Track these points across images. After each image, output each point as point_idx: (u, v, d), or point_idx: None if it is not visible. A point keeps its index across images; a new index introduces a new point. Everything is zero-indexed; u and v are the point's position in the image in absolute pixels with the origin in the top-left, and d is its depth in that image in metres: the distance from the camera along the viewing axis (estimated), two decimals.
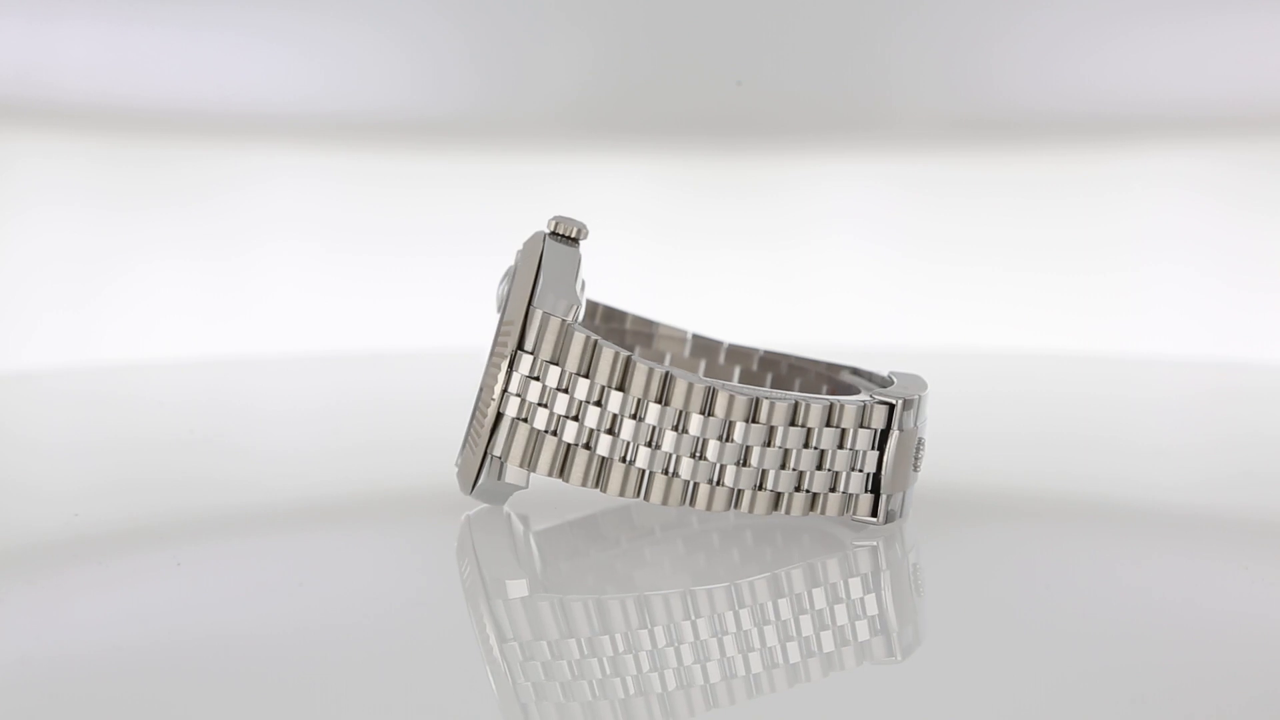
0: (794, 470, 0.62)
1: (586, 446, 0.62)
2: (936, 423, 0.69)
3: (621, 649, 0.53)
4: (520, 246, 0.65)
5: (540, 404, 0.62)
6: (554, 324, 0.62)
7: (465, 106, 1.42)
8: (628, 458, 0.62)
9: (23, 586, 0.61)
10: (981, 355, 1.32)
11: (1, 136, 1.32)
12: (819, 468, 0.63)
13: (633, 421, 0.61)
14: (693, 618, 0.56)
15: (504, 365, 0.62)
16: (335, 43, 1.37)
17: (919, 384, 0.66)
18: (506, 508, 0.68)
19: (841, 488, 0.63)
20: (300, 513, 0.74)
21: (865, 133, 1.42)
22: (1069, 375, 1.25)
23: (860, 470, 0.63)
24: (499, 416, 0.63)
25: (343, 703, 0.48)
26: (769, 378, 0.80)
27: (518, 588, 0.60)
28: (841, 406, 0.62)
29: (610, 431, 0.61)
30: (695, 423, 0.61)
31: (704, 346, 0.81)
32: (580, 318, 0.66)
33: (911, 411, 0.64)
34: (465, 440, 0.65)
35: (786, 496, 0.63)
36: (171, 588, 0.60)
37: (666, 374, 0.61)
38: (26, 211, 1.33)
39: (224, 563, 0.64)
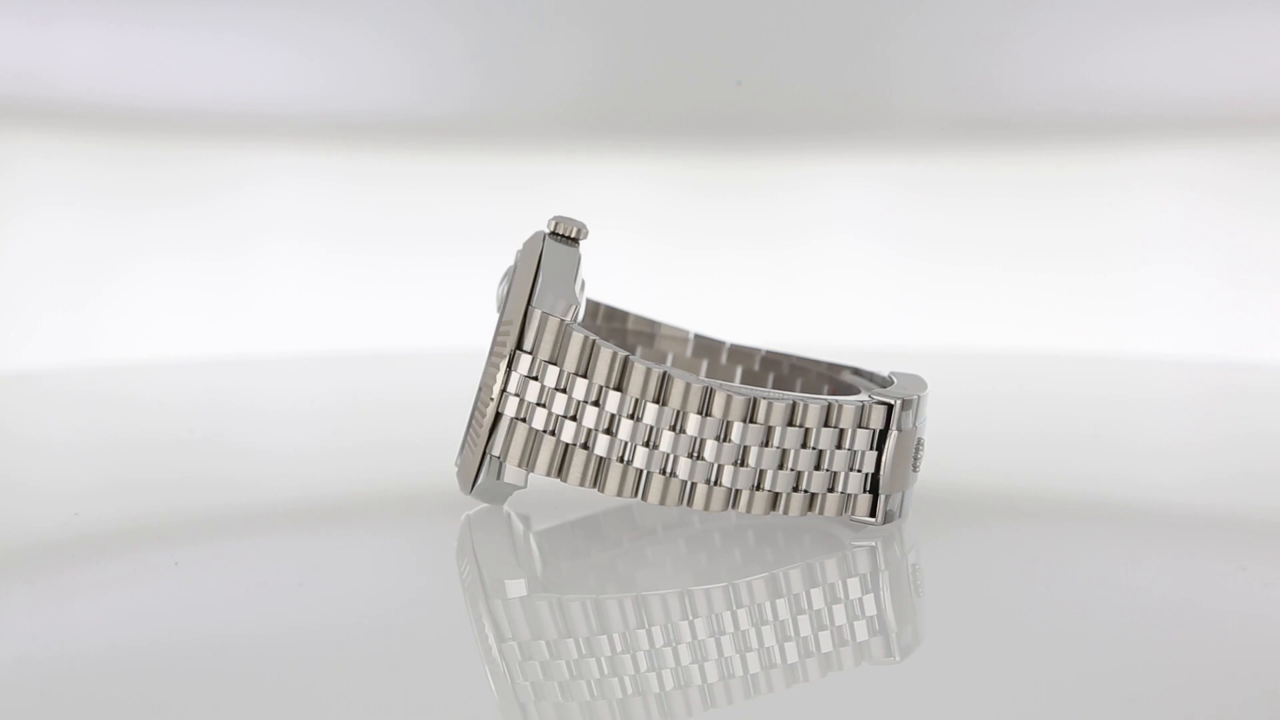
0: (792, 470, 0.62)
1: (584, 446, 0.62)
2: (936, 423, 0.69)
3: (620, 649, 0.53)
4: (520, 246, 0.65)
5: (539, 404, 0.62)
6: (553, 324, 0.62)
7: (465, 106, 1.42)
8: (625, 457, 0.62)
9: (22, 586, 0.61)
10: (981, 355, 1.32)
11: (1, 136, 1.32)
12: (817, 468, 0.63)
13: (630, 421, 0.61)
14: (691, 618, 0.56)
15: (503, 365, 0.62)
16: (335, 43, 1.37)
17: (919, 384, 0.66)
18: (507, 507, 0.68)
19: (840, 488, 0.63)
20: (300, 513, 0.74)
21: (865, 133, 1.42)
22: (1069, 375, 1.25)
23: (859, 470, 0.63)
24: (498, 416, 0.63)
25: (342, 703, 0.48)
26: (771, 378, 0.80)
27: (517, 588, 0.60)
28: (840, 407, 0.62)
29: (608, 431, 0.61)
30: (693, 423, 0.61)
31: (706, 347, 0.81)
32: (580, 318, 0.66)
33: (910, 412, 0.64)
34: (464, 440, 0.65)
35: (784, 496, 0.63)
36: (171, 588, 0.60)
37: (664, 374, 0.61)
38: (26, 211, 1.33)
39: (224, 563, 0.64)
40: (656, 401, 0.61)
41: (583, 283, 0.67)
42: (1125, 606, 0.59)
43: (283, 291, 1.37)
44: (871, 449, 0.63)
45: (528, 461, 0.62)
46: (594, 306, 0.80)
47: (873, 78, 1.41)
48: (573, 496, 0.65)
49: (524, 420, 0.62)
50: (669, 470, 0.62)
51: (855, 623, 0.56)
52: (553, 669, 0.51)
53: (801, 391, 0.77)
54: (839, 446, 0.63)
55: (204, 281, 1.36)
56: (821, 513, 0.63)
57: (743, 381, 0.80)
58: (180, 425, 0.97)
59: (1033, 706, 0.49)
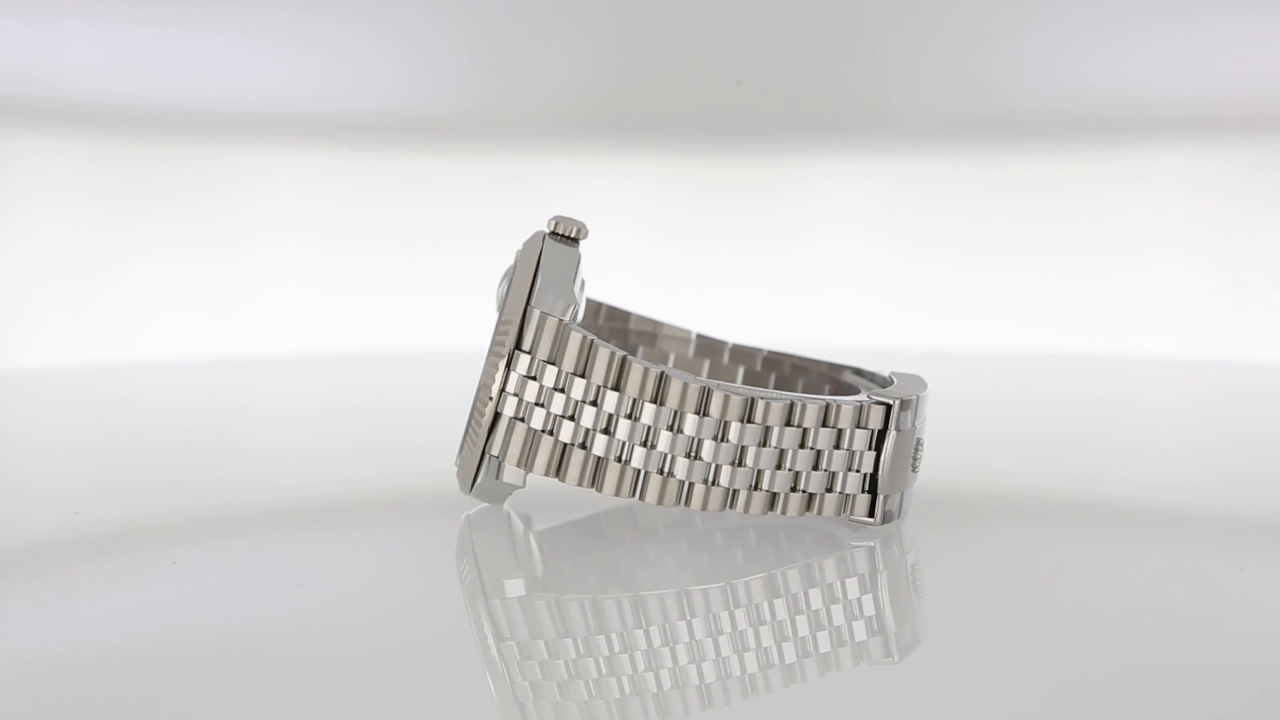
0: (790, 470, 0.62)
1: (582, 446, 0.62)
2: (936, 423, 0.69)
3: (618, 649, 0.53)
4: (520, 246, 0.65)
5: (537, 404, 0.62)
6: (551, 324, 0.62)
7: (465, 106, 1.42)
8: (623, 457, 0.62)
9: (22, 586, 0.61)
10: (981, 355, 1.32)
11: (1, 136, 1.32)
12: (815, 468, 0.63)
13: (628, 421, 0.61)
14: (688, 618, 0.56)
15: (502, 364, 0.62)
16: (335, 43, 1.37)
17: (918, 384, 0.66)
18: (507, 507, 0.68)
19: (838, 488, 0.63)
20: (300, 513, 0.74)
21: (865, 133, 1.42)
22: (1069, 375, 1.25)
23: (857, 471, 0.63)
24: (496, 416, 0.63)
25: (342, 703, 0.48)
26: (772, 378, 0.80)
27: (516, 587, 0.60)
28: (838, 407, 0.62)
29: (606, 431, 0.61)
30: (690, 422, 0.61)
31: (708, 347, 0.81)
32: (580, 317, 0.66)
33: (909, 412, 0.64)
34: (464, 439, 0.65)
35: (782, 496, 0.63)
36: (171, 588, 0.60)
37: (661, 374, 0.61)
38: (26, 211, 1.33)
39: (224, 563, 0.65)
40: (654, 401, 0.61)
41: (582, 283, 0.67)
42: (1125, 607, 0.59)
43: (283, 291, 1.37)
44: (870, 449, 0.63)
45: (526, 461, 0.62)
46: (595, 306, 0.80)
47: (873, 78, 1.41)
48: (574, 496, 0.65)
49: (523, 420, 0.62)
50: (667, 470, 0.62)
51: (854, 623, 0.56)
52: (551, 669, 0.51)
53: (803, 392, 0.77)
54: (837, 447, 0.63)
55: (204, 281, 1.36)
56: (820, 513, 0.63)
57: (744, 382, 0.80)
58: (180, 425, 0.97)
59: (1032, 707, 0.49)
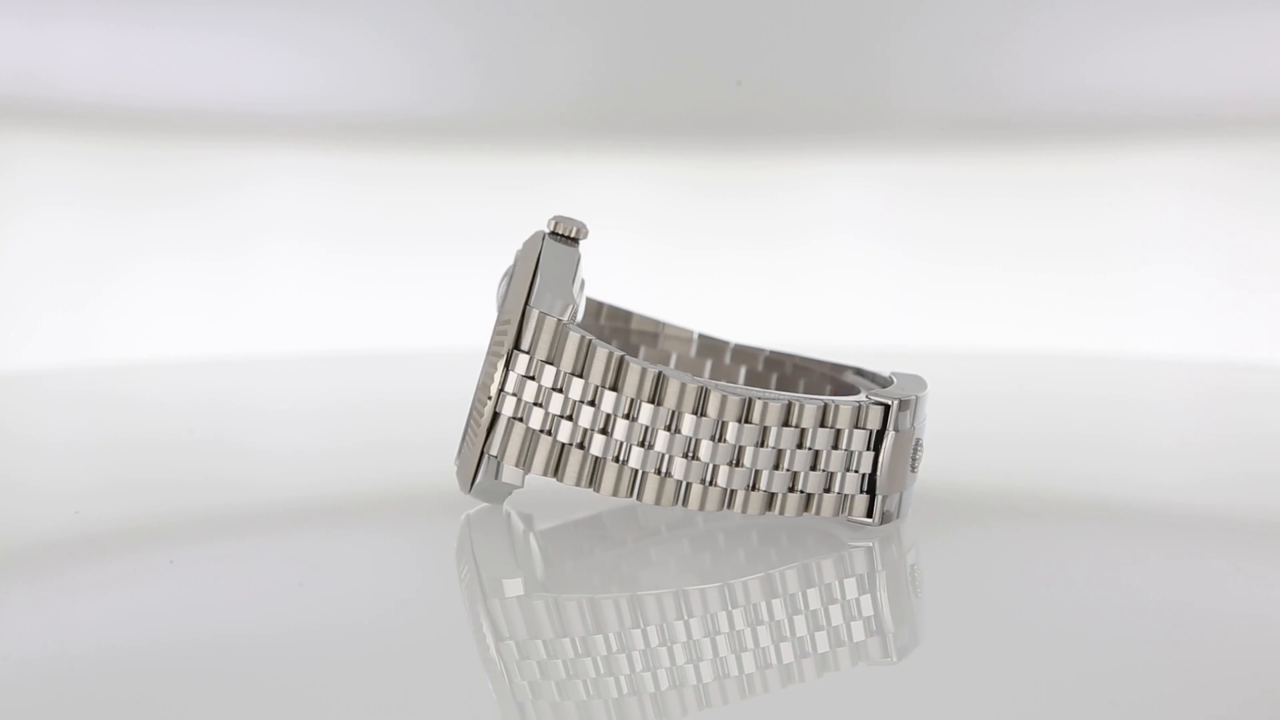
0: (787, 470, 0.62)
1: (580, 446, 0.62)
2: (937, 423, 0.69)
3: (615, 648, 0.53)
4: (520, 246, 0.65)
5: (536, 404, 0.62)
6: (550, 324, 0.62)
7: (465, 106, 1.42)
8: (621, 457, 0.62)
9: (23, 586, 0.61)
10: (981, 355, 1.32)
11: (1, 136, 1.32)
12: (813, 468, 0.63)
13: (626, 421, 0.61)
14: (686, 618, 0.56)
15: (500, 364, 0.62)
16: (335, 43, 1.37)
17: (918, 384, 0.66)
18: (507, 507, 0.68)
19: (836, 488, 0.63)
20: (300, 513, 0.74)
21: (865, 133, 1.42)
22: (1069, 375, 1.25)
23: (855, 471, 0.63)
24: (495, 416, 0.63)
25: (342, 702, 0.48)
26: (774, 378, 0.80)
27: (515, 587, 0.60)
28: (836, 407, 0.62)
29: (604, 431, 0.61)
30: (688, 423, 0.61)
31: (710, 347, 0.81)
32: (579, 317, 0.66)
33: (908, 412, 0.64)
34: (463, 439, 0.65)
35: (780, 497, 0.63)
36: (171, 588, 0.60)
37: (659, 374, 0.61)
38: (26, 211, 1.33)
39: (224, 563, 0.65)
40: (652, 401, 0.61)
41: (582, 282, 0.67)
42: (1125, 607, 0.59)
43: (283, 291, 1.37)
44: (868, 449, 0.63)
45: (525, 461, 0.62)
46: (597, 306, 0.80)
47: (873, 78, 1.41)
48: (577, 496, 0.65)
49: (521, 420, 0.62)
50: (664, 470, 0.62)
51: (852, 623, 0.56)
52: (550, 668, 0.51)
53: (804, 392, 0.77)
54: (835, 447, 0.63)
55: (204, 281, 1.36)
56: (818, 513, 0.63)
57: (746, 381, 0.80)
58: (180, 425, 0.97)
59: (1032, 707, 0.49)
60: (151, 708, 0.48)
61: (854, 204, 1.41)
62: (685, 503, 0.62)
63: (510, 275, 0.65)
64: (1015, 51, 1.39)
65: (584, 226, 0.65)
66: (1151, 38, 1.37)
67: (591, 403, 0.61)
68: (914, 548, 0.65)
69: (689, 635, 0.54)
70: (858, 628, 0.56)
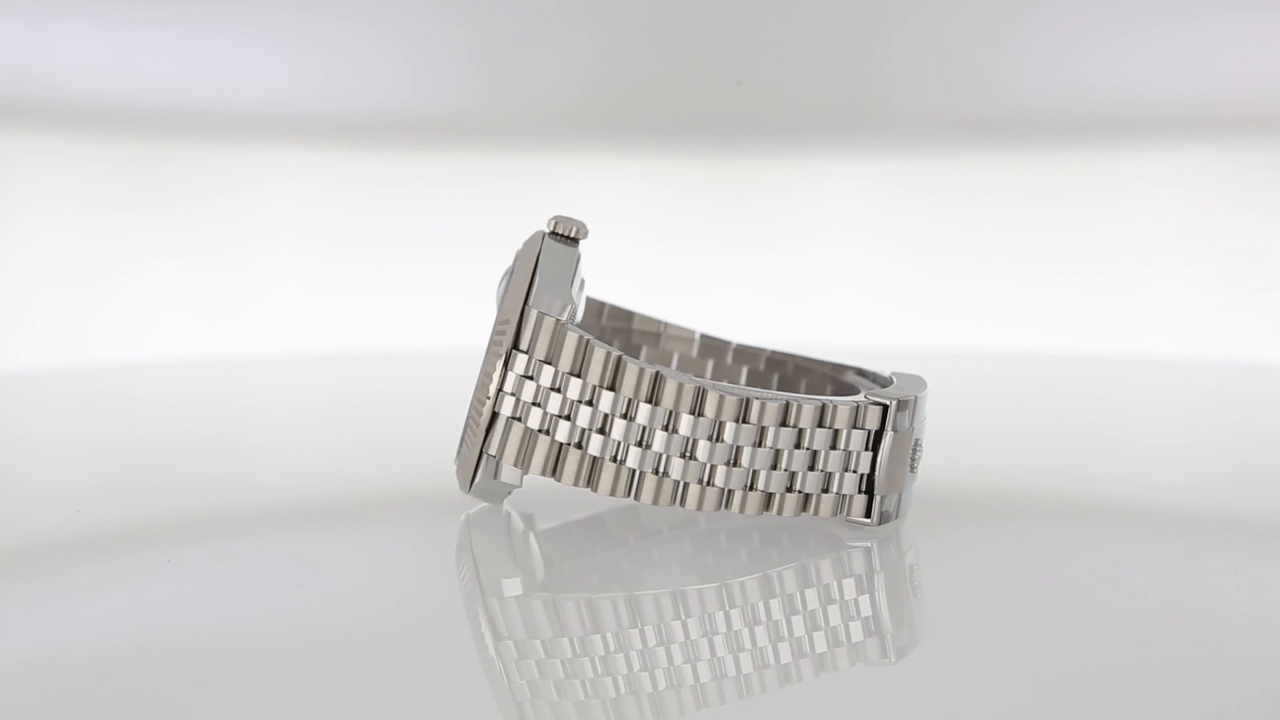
0: (785, 471, 0.62)
1: (578, 446, 0.62)
2: (937, 423, 0.69)
3: (613, 648, 0.53)
4: (520, 246, 0.65)
5: (534, 403, 0.62)
6: (548, 323, 0.62)
7: (465, 106, 1.42)
8: (618, 457, 0.62)
9: (23, 586, 0.61)
10: (981, 355, 1.32)
11: (1, 136, 1.32)
12: (811, 468, 0.63)
13: (623, 421, 0.61)
14: (684, 617, 0.56)
15: (499, 364, 0.62)
16: (335, 43, 1.37)
17: (918, 384, 0.66)
18: (507, 506, 0.68)
19: (835, 488, 0.63)
20: (300, 513, 0.74)
21: (865, 133, 1.42)
22: (1069, 375, 1.25)
23: (854, 471, 0.63)
24: (494, 415, 0.63)
25: (342, 702, 0.48)
26: (776, 378, 0.80)
27: (514, 587, 0.60)
28: (834, 407, 0.62)
29: (602, 431, 0.61)
30: (685, 423, 0.61)
31: (711, 347, 0.81)
32: (579, 317, 0.66)
33: (906, 412, 0.64)
34: (462, 439, 0.65)
35: (778, 497, 0.62)
36: (171, 588, 0.60)
37: (656, 374, 0.61)
38: (26, 211, 1.33)
39: (224, 563, 0.65)
40: (649, 401, 0.61)
41: (582, 282, 0.67)
42: (1125, 607, 0.59)
43: (283, 291, 1.37)
44: (867, 449, 0.63)
45: (523, 461, 0.62)
46: (599, 306, 0.80)
47: (873, 78, 1.41)
48: (578, 496, 0.65)
49: (520, 419, 0.62)
50: (662, 470, 0.62)
51: (850, 623, 0.56)
52: (548, 668, 0.51)
53: (806, 392, 0.77)
54: (833, 447, 0.63)
55: (204, 281, 1.36)
56: (816, 513, 0.63)
57: (748, 382, 0.80)
58: (180, 425, 0.97)
59: (1032, 707, 0.49)
60: (151, 708, 0.48)
61: (854, 204, 1.41)
62: (683, 502, 0.62)
63: (510, 275, 0.65)
64: (1015, 51, 1.39)
65: (584, 226, 0.65)
66: (1151, 38, 1.37)
67: (589, 402, 0.61)
68: (913, 548, 0.65)
69: (687, 635, 0.54)
70: (856, 628, 0.56)
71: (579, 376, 0.61)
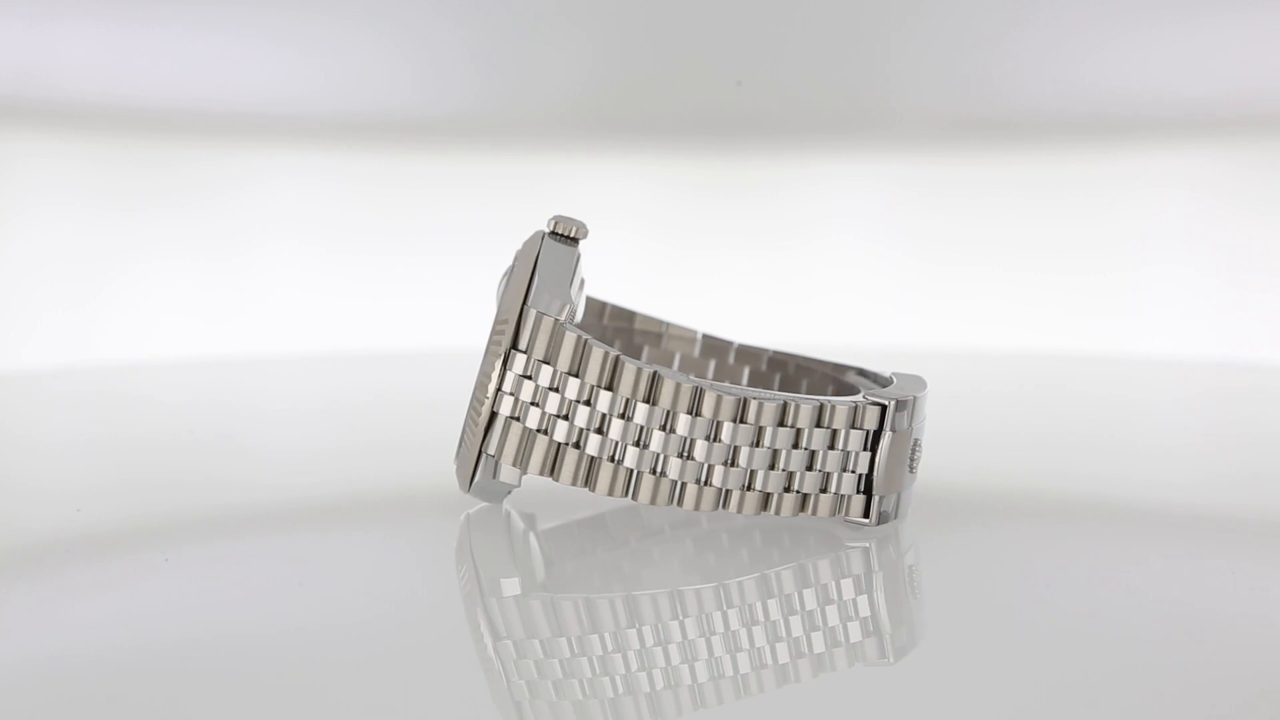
0: (783, 471, 0.62)
1: (576, 446, 0.62)
2: (937, 423, 0.69)
3: (611, 648, 0.53)
4: (520, 246, 0.65)
5: (532, 403, 0.62)
6: (547, 323, 0.62)
7: (465, 106, 1.42)
8: (616, 457, 0.62)
9: (23, 586, 0.61)
10: (981, 355, 1.32)
11: (1, 136, 1.32)
12: (809, 468, 0.63)
13: (621, 421, 0.61)
14: (681, 617, 0.56)
15: (498, 364, 0.62)
16: (335, 43, 1.37)
17: (917, 385, 0.66)
18: (507, 506, 0.68)
19: (833, 489, 0.63)
20: (300, 513, 0.74)
21: (865, 133, 1.42)
22: (1069, 375, 1.25)
23: (852, 471, 0.63)
24: (493, 415, 0.63)
25: (341, 702, 0.48)
26: (777, 378, 0.80)
27: (513, 587, 0.60)
28: (832, 407, 0.62)
29: (599, 431, 0.61)
30: (683, 422, 0.61)
31: (714, 347, 0.81)
32: (578, 317, 0.66)
33: (905, 413, 0.64)
34: (462, 438, 0.65)
35: (776, 497, 0.62)
36: (170, 588, 0.60)
37: (654, 374, 0.61)
38: (26, 211, 1.33)
39: (224, 563, 0.65)
40: (647, 401, 0.61)
41: (581, 282, 0.67)
42: (1125, 607, 0.59)
43: (283, 291, 1.37)
44: (865, 450, 0.63)
45: (521, 460, 0.62)
46: (600, 306, 0.80)
47: (873, 78, 1.41)
48: (580, 496, 0.65)
49: (518, 419, 0.62)
50: (659, 470, 0.62)
51: (849, 624, 0.56)
52: (546, 668, 0.51)
53: (807, 392, 0.77)
54: (832, 447, 0.63)
55: (204, 281, 1.36)
56: (814, 513, 0.63)
57: (750, 382, 0.80)
58: (180, 425, 0.97)
59: (1032, 707, 0.49)
60: (151, 708, 0.48)
61: (854, 204, 1.41)
62: (680, 502, 0.62)
63: (510, 274, 0.65)
64: (1015, 51, 1.39)
65: (584, 226, 0.65)
66: (1151, 38, 1.37)
67: (587, 402, 0.61)
68: (913, 548, 0.65)
69: (684, 635, 0.54)
70: (854, 628, 0.56)
71: (577, 376, 0.61)
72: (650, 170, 1.41)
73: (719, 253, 1.41)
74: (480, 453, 0.63)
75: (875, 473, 0.63)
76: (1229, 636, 0.55)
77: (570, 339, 0.62)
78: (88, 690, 0.50)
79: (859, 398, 0.63)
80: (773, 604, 0.58)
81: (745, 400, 0.61)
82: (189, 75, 1.34)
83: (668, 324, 0.81)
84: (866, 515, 0.64)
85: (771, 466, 0.62)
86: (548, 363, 0.62)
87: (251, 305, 1.36)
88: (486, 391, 0.63)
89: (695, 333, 0.81)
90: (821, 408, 0.62)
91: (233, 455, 0.89)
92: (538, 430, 0.62)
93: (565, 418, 0.62)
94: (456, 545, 0.66)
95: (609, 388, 0.61)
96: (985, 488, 0.79)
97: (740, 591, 0.59)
